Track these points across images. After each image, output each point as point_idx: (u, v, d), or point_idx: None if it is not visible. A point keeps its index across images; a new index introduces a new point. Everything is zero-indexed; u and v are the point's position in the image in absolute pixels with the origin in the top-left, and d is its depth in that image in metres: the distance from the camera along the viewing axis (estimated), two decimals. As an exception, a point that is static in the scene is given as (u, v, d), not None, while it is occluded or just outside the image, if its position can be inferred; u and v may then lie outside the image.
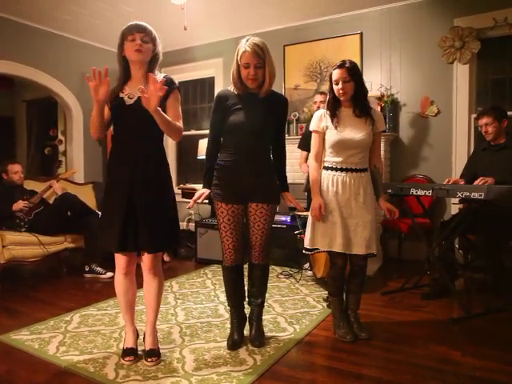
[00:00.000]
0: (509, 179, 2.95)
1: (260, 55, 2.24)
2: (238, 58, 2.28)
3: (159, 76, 2.22)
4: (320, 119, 2.55)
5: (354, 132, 2.46)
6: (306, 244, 2.57)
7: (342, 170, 2.48)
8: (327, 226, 2.48)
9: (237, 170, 2.36)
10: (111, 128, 2.31)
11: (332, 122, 2.49)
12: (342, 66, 2.44)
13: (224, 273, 2.52)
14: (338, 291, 2.61)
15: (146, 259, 2.24)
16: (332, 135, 2.48)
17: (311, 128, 2.59)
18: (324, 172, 2.54)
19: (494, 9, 4.03)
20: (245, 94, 2.36)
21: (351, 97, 2.47)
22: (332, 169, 2.50)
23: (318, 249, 2.54)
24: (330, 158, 2.52)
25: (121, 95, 2.17)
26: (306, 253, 2.60)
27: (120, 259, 2.25)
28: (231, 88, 2.41)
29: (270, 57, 2.30)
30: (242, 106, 2.35)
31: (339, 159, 2.48)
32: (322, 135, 2.54)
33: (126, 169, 2.16)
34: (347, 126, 2.48)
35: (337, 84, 2.44)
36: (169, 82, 2.16)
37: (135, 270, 2.34)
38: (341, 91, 2.43)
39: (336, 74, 2.44)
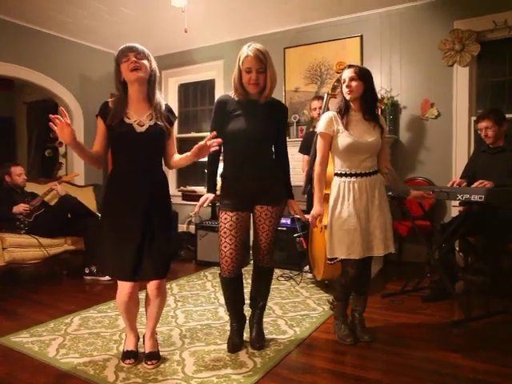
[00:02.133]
0: (507, 182, 2.95)
1: (262, 60, 2.25)
2: (240, 63, 2.28)
3: (162, 103, 2.25)
4: (331, 122, 2.48)
5: (365, 136, 2.44)
6: (328, 254, 2.54)
7: (356, 175, 2.45)
8: (343, 234, 2.43)
9: (240, 177, 2.36)
10: None
11: (342, 124, 2.46)
12: (351, 65, 2.47)
13: (222, 283, 2.49)
14: (345, 297, 2.60)
15: (153, 283, 2.20)
16: (344, 139, 2.43)
17: (319, 130, 2.52)
18: (338, 179, 2.50)
19: (494, 11, 4.04)
20: (245, 100, 2.36)
21: (360, 100, 2.46)
22: (346, 175, 2.46)
23: (337, 258, 2.49)
24: (344, 163, 2.47)
25: (127, 121, 2.13)
26: (329, 263, 2.59)
27: (125, 285, 2.19)
28: (231, 94, 2.41)
29: (272, 62, 2.31)
30: (242, 112, 2.35)
31: (352, 164, 2.45)
32: (330, 139, 2.49)
33: (135, 198, 2.14)
34: (358, 129, 2.46)
35: (344, 82, 2.45)
36: (172, 113, 2.31)
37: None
38: (347, 89, 2.43)
39: (344, 73, 2.47)
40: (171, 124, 2.27)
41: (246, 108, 2.35)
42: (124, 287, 2.20)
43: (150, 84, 2.19)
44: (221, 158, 2.49)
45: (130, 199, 2.14)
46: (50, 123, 1.92)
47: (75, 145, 2.03)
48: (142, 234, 2.13)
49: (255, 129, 2.32)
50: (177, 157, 2.30)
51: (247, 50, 2.25)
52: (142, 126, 2.14)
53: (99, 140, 2.20)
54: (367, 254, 2.45)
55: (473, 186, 2.98)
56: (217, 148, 2.08)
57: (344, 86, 2.45)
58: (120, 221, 2.14)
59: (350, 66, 2.47)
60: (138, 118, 2.15)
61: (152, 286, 2.22)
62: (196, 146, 2.08)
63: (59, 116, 1.91)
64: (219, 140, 2.07)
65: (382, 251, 2.47)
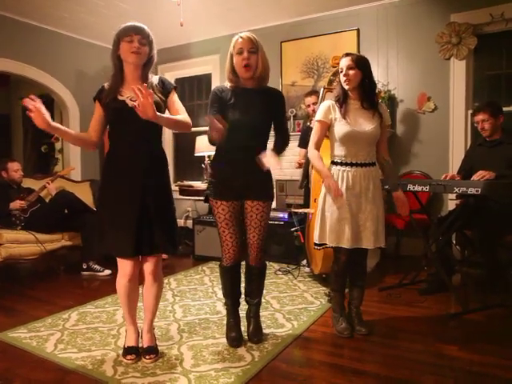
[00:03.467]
0: (506, 172, 2.96)
1: (253, 42, 2.29)
2: (232, 47, 2.32)
3: (154, 78, 2.25)
4: (328, 110, 2.49)
5: (363, 125, 2.44)
6: (315, 239, 2.56)
7: (351, 164, 2.45)
8: (334, 222, 2.45)
9: (233, 167, 2.35)
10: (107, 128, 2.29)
11: (340, 113, 2.46)
12: (348, 54, 2.46)
13: (222, 273, 2.50)
14: (341, 287, 2.61)
15: (150, 262, 2.22)
16: (341, 127, 2.44)
17: (317, 118, 2.53)
18: (333, 167, 2.51)
19: (491, 4, 4.03)
20: (240, 89, 2.35)
21: (359, 89, 2.45)
22: (342, 164, 2.47)
23: (326, 244, 2.52)
24: (340, 153, 2.48)
25: (120, 98, 2.14)
26: (316, 248, 2.59)
27: (126, 264, 2.19)
28: (226, 84, 2.41)
29: (263, 51, 2.34)
30: (237, 102, 2.34)
31: (348, 153, 2.45)
32: (327, 126, 2.50)
33: (133, 172, 2.14)
34: (356, 118, 2.45)
35: (341, 71, 2.44)
36: (166, 83, 2.26)
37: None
38: (345, 78, 2.42)
39: (341, 62, 2.45)
40: (167, 92, 2.22)
41: (241, 98, 2.34)
42: (125, 267, 2.20)
43: (145, 69, 2.20)
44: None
45: (125, 173, 2.14)
46: (28, 112, 1.93)
47: (53, 128, 2.04)
48: (139, 208, 2.12)
49: (251, 119, 2.32)
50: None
51: (239, 35, 2.32)
52: (134, 101, 2.11)
53: (94, 122, 2.22)
54: (356, 245, 2.45)
55: (473, 177, 2.98)
56: (151, 92, 1.93)
57: (341, 75, 2.44)
58: (116, 197, 2.14)
59: (347, 55, 2.46)
60: (131, 94, 2.13)
61: (148, 266, 2.22)
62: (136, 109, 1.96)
63: (30, 101, 1.92)
64: (144, 85, 1.95)
65: (371, 244, 2.47)
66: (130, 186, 2.14)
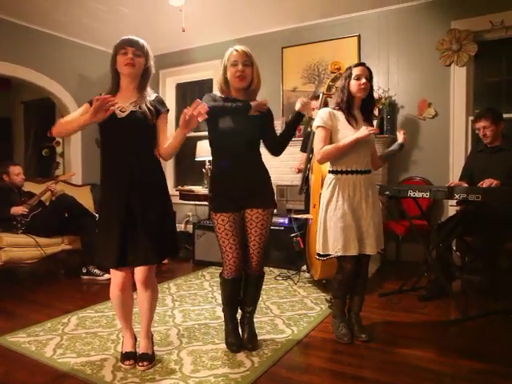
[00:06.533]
0: (504, 181, 2.96)
1: (248, 55, 2.33)
2: (226, 59, 2.36)
3: (151, 95, 2.26)
4: (330, 117, 2.48)
5: None
6: (319, 249, 2.54)
7: (352, 172, 2.47)
8: (339, 232, 2.44)
9: (231, 178, 2.35)
10: None
11: (349, 122, 2.47)
12: (364, 64, 2.52)
13: (223, 284, 2.46)
14: (344, 294, 2.61)
15: (140, 272, 2.19)
16: (347, 134, 2.44)
17: (318, 124, 2.48)
18: (333, 176, 2.51)
19: (491, 12, 4.06)
20: (231, 100, 2.34)
21: (363, 99, 2.51)
22: (342, 172, 2.48)
23: (330, 255, 2.50)
24: (341, 160, 2.48)
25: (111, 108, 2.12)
26: (320, 259, 2.58)
27: (116, 275, 2.20)
28: (217, 93, 2.44)
29: (257, 65, 2.37)
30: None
31: (350, 161, 2.46)
32: (330, 133, 2.49)
33: (121, 182, 2.15)
34: (358, 125, 2.48)
35: (358, 79, 2.45)
36: (161, 102, 2.27)
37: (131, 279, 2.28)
38: (363, 86, 2.44)
39: (359, 69, 2.47)
40: (159, 112, 2.22)
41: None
42: (116, 277, 2.20)
43: (142, 80, 2.21)
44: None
45: (115, 184, 2.16)
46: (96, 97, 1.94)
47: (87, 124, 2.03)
48: (125, 218, 2.12)
49: (243, 129, 2.32)
50: (167, 144, 2.22)
51: (233, 48, 2.36)
52: (123, 112, 2.13)
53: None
54: (361, 252, 2.46)
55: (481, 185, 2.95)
56: (205, 117, 2.01)
57: (357, 82, 2.45)
58: (107, 207, 2.17)
59: (363, 65, 2.50)
60: (121, 105, 2.14)
61: (138, 275, 2.20)
62: (181, 117, 2.03)
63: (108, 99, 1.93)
64: (204, 106, 1.99)
65: (374, 250, 2.48)
66: (116, 196, 2.14)
